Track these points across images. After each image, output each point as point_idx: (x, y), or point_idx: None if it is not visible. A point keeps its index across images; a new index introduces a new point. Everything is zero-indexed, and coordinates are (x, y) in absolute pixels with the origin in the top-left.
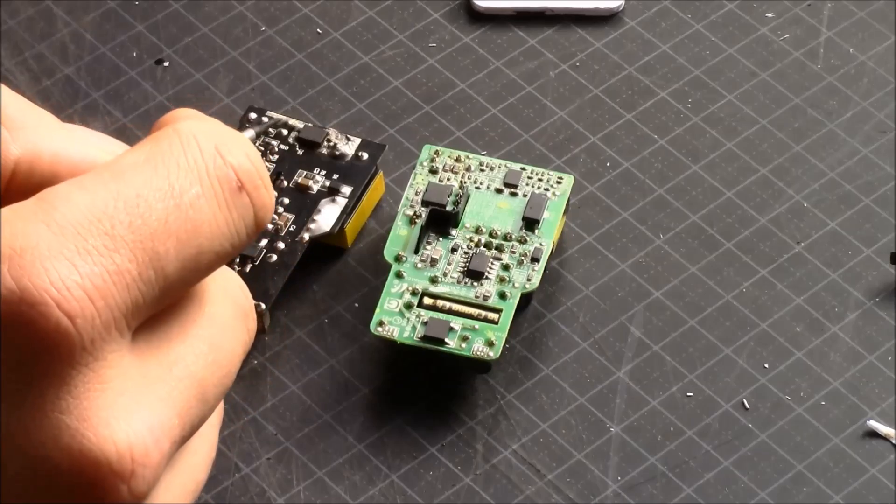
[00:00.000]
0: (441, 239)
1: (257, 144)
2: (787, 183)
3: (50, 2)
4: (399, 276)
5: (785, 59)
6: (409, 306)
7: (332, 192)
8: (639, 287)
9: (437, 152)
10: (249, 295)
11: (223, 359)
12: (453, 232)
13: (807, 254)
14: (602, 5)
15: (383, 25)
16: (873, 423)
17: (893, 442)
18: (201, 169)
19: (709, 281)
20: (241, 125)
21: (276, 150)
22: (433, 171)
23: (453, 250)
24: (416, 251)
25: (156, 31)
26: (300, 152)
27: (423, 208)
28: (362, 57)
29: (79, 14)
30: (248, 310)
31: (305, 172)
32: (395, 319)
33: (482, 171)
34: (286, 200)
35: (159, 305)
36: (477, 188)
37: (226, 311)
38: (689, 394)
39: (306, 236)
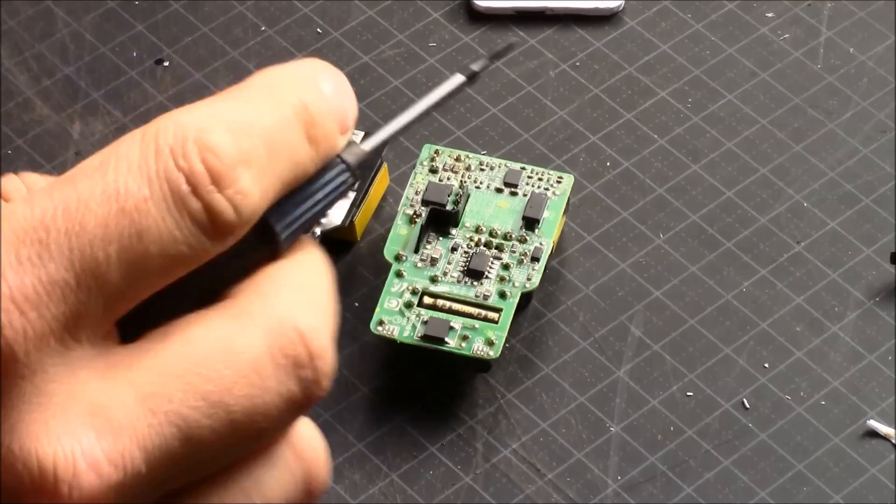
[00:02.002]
0: (441, 238)
1: None
2: (787, 183)
3: (50, 2)
4: (399, 275)
5: (785, 59)
6: (409, 305)
7: None
8: (639, 287)
9: (437, 152)
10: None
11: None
12: (453, 231)
13: (807, 254)
14: (602, 5)
15: (383, 25)
16: (873, 423)
17: (893, 442)
18: (151, 170)
19: (709, 281)
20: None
21: None
22: (433, 171)
23: (453, 250)
24: (417, 250)
25: (156, 31)
26: None
27: (423, 208)
28: (362, 57)
29: (79, 14)
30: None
31: None
32: (395, 319)
33: (482, 170)
34: None
35: (110, 314)
36: (477, 188)
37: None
38: (689, 393)
39: (318, 231)
